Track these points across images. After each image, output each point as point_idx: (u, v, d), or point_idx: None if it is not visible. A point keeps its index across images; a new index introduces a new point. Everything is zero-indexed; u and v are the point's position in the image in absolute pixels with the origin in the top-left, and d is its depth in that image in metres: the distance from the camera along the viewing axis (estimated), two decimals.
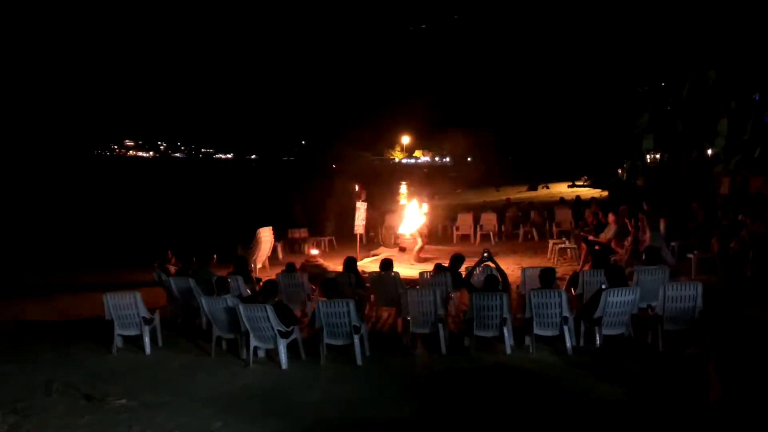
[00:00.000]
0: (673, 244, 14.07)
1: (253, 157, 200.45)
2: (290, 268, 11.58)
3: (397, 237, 19.32)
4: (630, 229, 13.86)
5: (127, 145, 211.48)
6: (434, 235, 21.22)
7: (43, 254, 20.01)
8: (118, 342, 9.27)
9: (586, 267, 12.25)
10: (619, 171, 23.82)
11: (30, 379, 7.99)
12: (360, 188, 19.08)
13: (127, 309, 9.20)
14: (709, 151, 20.38)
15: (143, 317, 9.22)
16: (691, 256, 12.75)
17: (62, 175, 71.09)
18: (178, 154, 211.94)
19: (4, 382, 7.96)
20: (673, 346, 8.19)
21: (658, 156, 25.07)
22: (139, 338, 9.20)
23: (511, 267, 14.03)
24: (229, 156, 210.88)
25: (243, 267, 11.38)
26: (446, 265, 11.31)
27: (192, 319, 10.39)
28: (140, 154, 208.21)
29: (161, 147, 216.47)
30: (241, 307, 8.36)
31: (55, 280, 15.68)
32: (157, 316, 9.47)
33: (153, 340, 9.30)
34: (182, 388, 7.64)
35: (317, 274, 12.42)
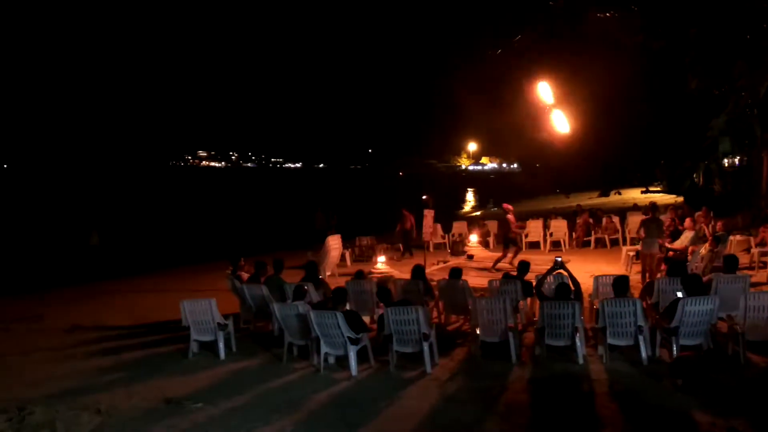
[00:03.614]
0: (753, 250, 13.56)
1: (321, 165, 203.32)
2: (359, 275, 11.66)
3: (465, 245, 19.25)
4: (707, 235, 13.43)
5: (201, 156, 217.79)
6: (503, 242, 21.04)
7: (125, 259, 20.80)
8: (194, 347, 9.55)
9: (660, 275, 11.91)
10: (695, 176, 23.04)
11: (112, 382, 8.33)
12: (427, 196, 19.09)
13: (202, 315, 9.46)
14: None
15: (218, 323, 9.47)
16: None
17: (142, 184, 73.71)
18: (249, 164, 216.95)
19: (87, 383, 8.33)
20: (755, 357, 7.88)
21: (736, 160, 24.15)
22: (214, 344, 9.45)
23: (583, 275, 13.74)
24: (298, 165, 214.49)
25: (314, 273, 11.54)
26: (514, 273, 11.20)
27: (264, 326, 10.61)
28: (213, 164, 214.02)
29: (233, 157, 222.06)
30: (311, 314, 8.49)
31: (135, 285, 16.28)
32: (231, 323, 9.71)
33: (227, 346, 9.53)
34: (255, 393, 7.81)
35: (384, 281, 12.48)
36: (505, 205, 17.00)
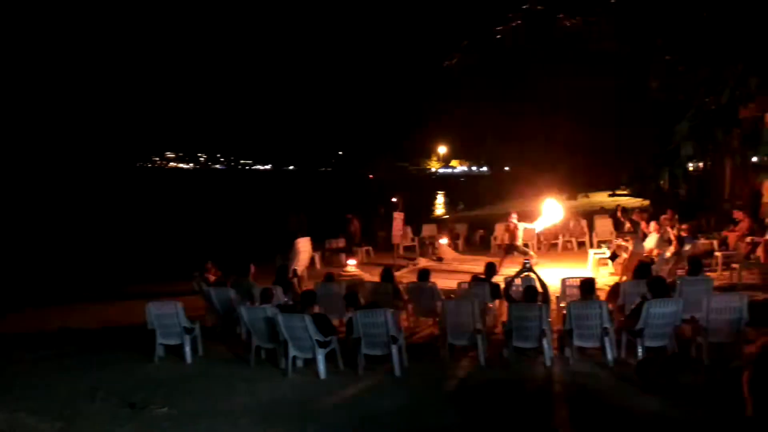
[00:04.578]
0: (717, 253, 13.81)
1: (290, 168, 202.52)
2: (329, 278, 11.62)
3: (435, 247, 19.32)
4: (672, 238, 13.65)
5: (168, 157, 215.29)
6: (472, 244, 21.16)
7: (88, 264, 20.43)
8: (159, 351, 9.42)
9: (625, 278, 12.07)
10: (661, 180, 23.39)
11: (75, 386, 8.17)
12: (398, 199, 19.11)
13: (169, 318, 9.34)
14: (754, 159, 19.89)
15: (184, 327, 9.35)
16: (735, 265, 12.49)
17: (107, 187, 72.68)
18: (217, 166, 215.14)
19: (50, 388, 8.16)
20: (717, 358, 8.01)
21: (701, 164, 24.57)
22: (181, 347, 9.33)
23: (550, 277, 13.85)
24: (267, 167, 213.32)
25: (283, 276, 11.48)
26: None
27: (232, 329, 10.50)
28: (181, 165, 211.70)
29: (201, 159, 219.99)
30: (279, 317, 8.43)
31: (99, 290, 16.00)
32: (197, 326, 9.60)
33: (194, 350, 9.41)
34: (222, 397, 7.73)
35: (354, 284, 12.45)
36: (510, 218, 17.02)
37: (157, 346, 9.37)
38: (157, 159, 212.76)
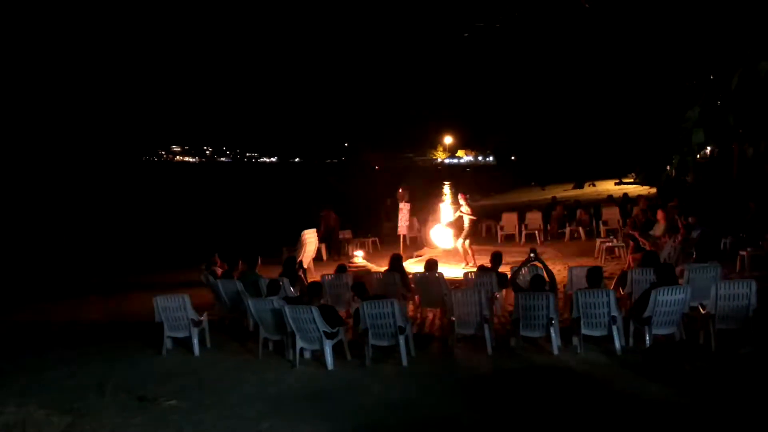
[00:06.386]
0: (725, 240, 13.75)
1: (296, 160, 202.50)
2: (341, 269, 11.60)
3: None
4: (679, 226, 13.59)
5: (174, 151, 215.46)
6: (478, 235, 21.10)
7: (96, 257, 20.50)
8: (167, 344, 9.45)
9: (633, 265, 12.03)
10: (668, 167, 23.26)
11: (84, 380, 8.21)
12: (403, 189, 19.05)
13: (176, 311, 9.36)
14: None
15: (192, 319, 9.37)
16: (743, 252, 12.42)
17: (114, 180, 72.93)
18: (223, 159, 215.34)
19: (59, 382, 8.20)
20: (726, 345, 7.99)
21: (708, 151, 24.42)
22: (188, 340, 9.36)
23: (558, 266, 13.84)
24: (273, 159, 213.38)
25: (291, 268, 11.50)
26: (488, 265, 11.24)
27: (239, 321, 10.54)
28: (187, 159, 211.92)
29: (207, 152, 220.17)
30: (287, 309, 8.44)
31: (107, 282, 16.05)
32: (205, 318, 9.62)
33: (201, 342, 9.44)
34: (230, 389, 7.75)
35: (361, 275, 12.45)
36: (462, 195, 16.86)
37: (165, 338, 9.41)
38: (163, 152, 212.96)
